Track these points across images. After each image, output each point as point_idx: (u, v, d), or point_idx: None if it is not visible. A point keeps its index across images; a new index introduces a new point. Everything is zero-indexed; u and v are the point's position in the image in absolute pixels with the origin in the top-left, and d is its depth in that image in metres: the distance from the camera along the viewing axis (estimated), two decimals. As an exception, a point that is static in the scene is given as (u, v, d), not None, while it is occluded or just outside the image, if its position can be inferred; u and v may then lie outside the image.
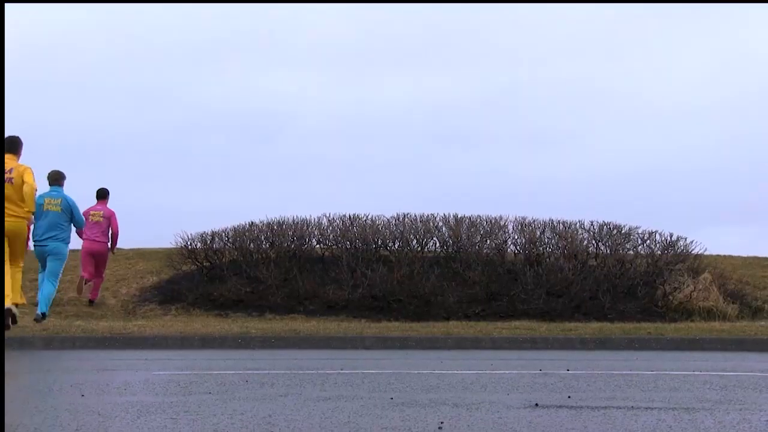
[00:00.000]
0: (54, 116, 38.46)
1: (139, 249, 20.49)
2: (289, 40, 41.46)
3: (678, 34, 40.53)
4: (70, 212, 13.69)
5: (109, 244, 15.72)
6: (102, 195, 15.87)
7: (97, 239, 15.50)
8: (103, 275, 16.15)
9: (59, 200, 13.62)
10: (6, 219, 11.24)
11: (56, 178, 13.84)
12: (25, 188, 11.53)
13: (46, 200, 13.48)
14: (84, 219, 14.72)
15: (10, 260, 11.45)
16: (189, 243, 17.86)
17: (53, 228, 13.48)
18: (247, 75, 40.41)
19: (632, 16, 40.46)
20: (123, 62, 38.85)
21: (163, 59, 40.74)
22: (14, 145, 11.87)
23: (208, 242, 17.91)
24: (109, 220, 15.66)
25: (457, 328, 13.90)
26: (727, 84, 39.85)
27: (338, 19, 39.77)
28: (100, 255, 15.67)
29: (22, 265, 12.03)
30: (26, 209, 11.59)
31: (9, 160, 11.65)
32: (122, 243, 20.36)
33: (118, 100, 39.81)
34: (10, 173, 11.54)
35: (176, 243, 17.95)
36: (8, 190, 11.39)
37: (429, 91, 39.42)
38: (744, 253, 19.70)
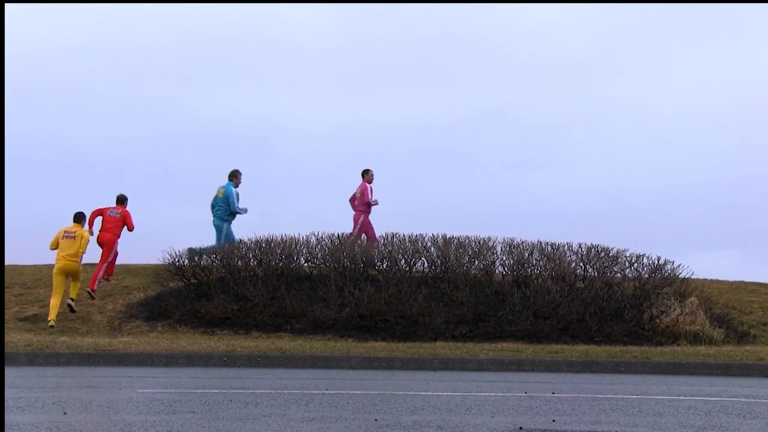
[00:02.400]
0: (38, 128, 38.22)
1: (126, 265, 20.38)
2: (278, 58, 41.47)
3: (669, 57, 40.74)
4: (227, 200, 18.17)
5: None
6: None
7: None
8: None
9: (223, 190, 18.23)
10: (65, 262, 15.91)
11: (232, 175, 18.56)
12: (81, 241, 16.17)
13: (219, 189, 18.39)
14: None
15: (72, 281, 16.29)
16: (176, 260, 17.80)
17: (217, 207, 18.32)
18: (236, 92, 40.35)
19: (622, 39, 40.66)
20: (110, 77, 38.70)
21: (152, 74, 40.60)
22: (80, 218, 16.56)
23: (196, 259, 17.85)
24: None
25: (443, 349, 13.89)
26: (716, 107, 40.03)
27: (327, 38, 39.83)
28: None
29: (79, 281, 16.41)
30: (80, 253, 16.17)
31: (75, 227, 16.30)
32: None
33: (104, 114, 39.62)
34: (74, 234, 16.13)
35: (164, 259, 17.89)
36: (69, 243, 16.03)
37: (417, 111, 39.43)
38: (731, 278, 19.74)
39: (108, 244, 17.07)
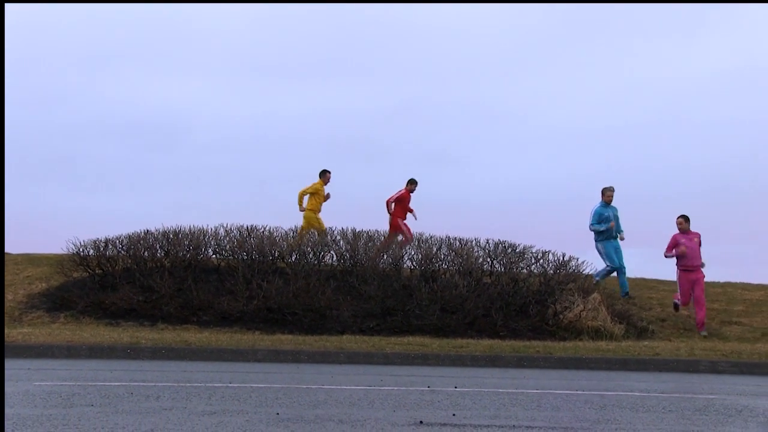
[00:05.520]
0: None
1: (28, 254, 19.91)
2: (189, 48, 40.91)
3: (577, 57, 41.52)
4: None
5: None
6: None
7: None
8: None
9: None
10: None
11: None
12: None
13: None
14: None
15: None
16: (81, 249, 17.43)
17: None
18: (145, 81, 39.56)
19: (532, 38, 41.28)
20: (17, 62, 37.66)
21: (59, 61, 39.60)
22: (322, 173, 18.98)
23: (101, 249, 17.50)
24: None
25: (350, 342, 13.91)
26: (622, 106, 40.92)
27: (239, 29, 39.45)
28: None
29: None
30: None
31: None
32: (10, 247, 19.84)
33: (9, 100, 38.56)
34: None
35: (68, 249, 17.50)
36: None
37: (330, 103, 39.35)
38: (632, 275, 20.21)
39: None
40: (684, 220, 16.94)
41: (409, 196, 19.27)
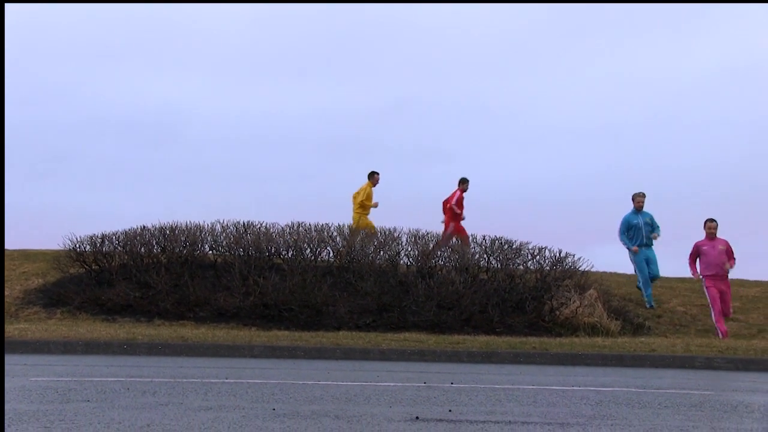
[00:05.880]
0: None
1: (24, 250, 19.90)
2: (185, 45, 40.91)
3: (575, 55, 41.54)
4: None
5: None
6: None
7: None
8: None
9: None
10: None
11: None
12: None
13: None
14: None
15: None
16: (78, 245, 17.43)
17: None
18: (142, 78, 39.58)
19: (530, 36, 41.34)
20: (12, 59, 37.62)
21: (57, 57, 39.63)
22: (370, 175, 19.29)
23: (98, 245, 17.50)
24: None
25: (346, 338, 13.92)
26: (618, 104, 40.98)
27: (235, 26, 39.46)
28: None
29: None
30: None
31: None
32: (6, 243, 19.79)
33: (7, 97, 38.43)
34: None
35: (64, 245, 17.51)
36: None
37: (325, 101, 39.39)
38: (628, 271, 20.23)
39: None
40: (715, 225, 16.26)
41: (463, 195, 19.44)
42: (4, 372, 7.18)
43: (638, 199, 17.56)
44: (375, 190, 19.47)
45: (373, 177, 19.43)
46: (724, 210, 35.64)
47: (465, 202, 19.52)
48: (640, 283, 17.75)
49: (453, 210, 19.15)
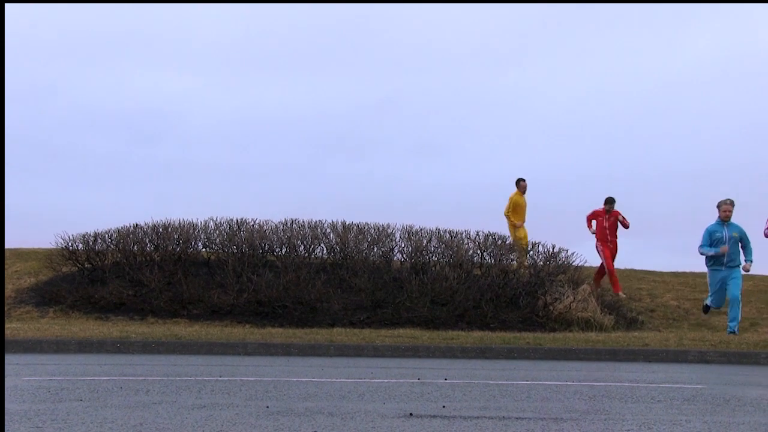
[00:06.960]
0: None
1: (16, 249, 19.85)
2: (176, 41, 40.68)
3: (566, 49, 41.54)
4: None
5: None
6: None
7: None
8: None
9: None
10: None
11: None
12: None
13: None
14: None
15: None
16: (70, 244, 17.42)
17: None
18: (133, 74, 39.36)
19: (521, 30, 41.28)
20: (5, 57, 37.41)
21: (48, 54, 39.43)
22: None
23: (90, 243, 17.49)
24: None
25: (340, 335, 13.91)
26: (611, 99, 40.96)
27: (226, 22, 39.29)
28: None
29: None
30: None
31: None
32: (-1, 242, 19.74)
33: (-2, 93, 38.27)
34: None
35: (57, 243, 17.50)
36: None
37: (316, 98, 39.28)
38: (621, 266, 20.29)
39: None
40: (732, 206, 14.56)
41: (605, 215, 18.18)
42: (4, 372, 7.16)
43: (725, 207, 14.66)
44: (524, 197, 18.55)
45: (519, 185, 18.67)
46: (714, 204, 35.67)
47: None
48: (710, 302, 15.39)
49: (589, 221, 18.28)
